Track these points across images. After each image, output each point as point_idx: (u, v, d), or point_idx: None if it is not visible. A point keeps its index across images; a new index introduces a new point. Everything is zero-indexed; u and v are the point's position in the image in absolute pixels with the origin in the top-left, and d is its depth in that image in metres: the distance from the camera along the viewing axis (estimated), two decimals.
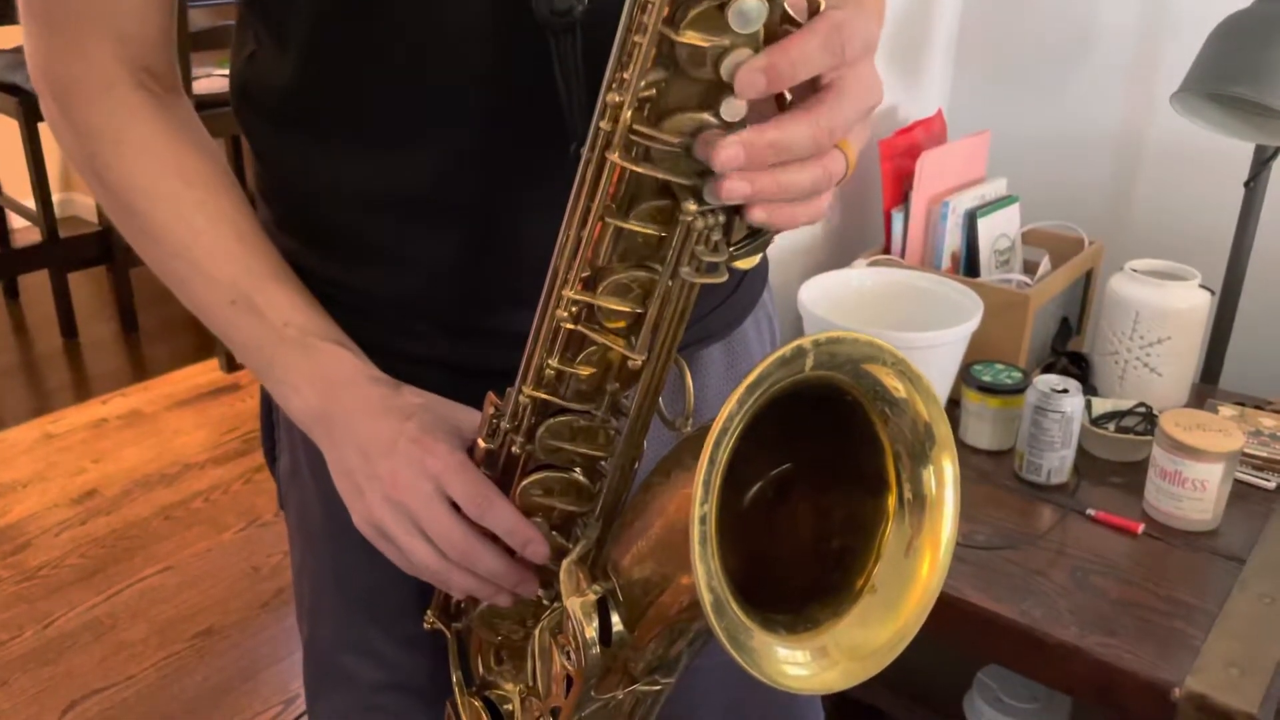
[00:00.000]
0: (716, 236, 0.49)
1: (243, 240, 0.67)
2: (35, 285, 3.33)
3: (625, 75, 0.46)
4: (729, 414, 0.47)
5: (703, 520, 0.47)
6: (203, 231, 0.66)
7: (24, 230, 3.55)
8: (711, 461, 0.47)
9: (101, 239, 3.11)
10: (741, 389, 0.46)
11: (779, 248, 1.62)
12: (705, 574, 0.47)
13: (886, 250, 1.71)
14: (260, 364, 0.67)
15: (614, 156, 0.48)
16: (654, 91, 0.46)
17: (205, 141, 0.69)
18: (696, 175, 0.48)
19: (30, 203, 3.03)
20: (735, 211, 0.50)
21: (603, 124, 0.48)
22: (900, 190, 1.69)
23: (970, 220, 1.66)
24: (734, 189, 0.47)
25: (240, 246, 0.67)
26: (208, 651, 1.95)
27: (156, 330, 3.17)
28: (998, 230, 1.70)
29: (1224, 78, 1.39)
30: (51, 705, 1.83)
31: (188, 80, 2.52)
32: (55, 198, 3.02)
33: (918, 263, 1.68)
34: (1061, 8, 1.85)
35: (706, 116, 0.47)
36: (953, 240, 1.66)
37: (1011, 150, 1.88)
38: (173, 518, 2.33)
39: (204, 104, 2.57)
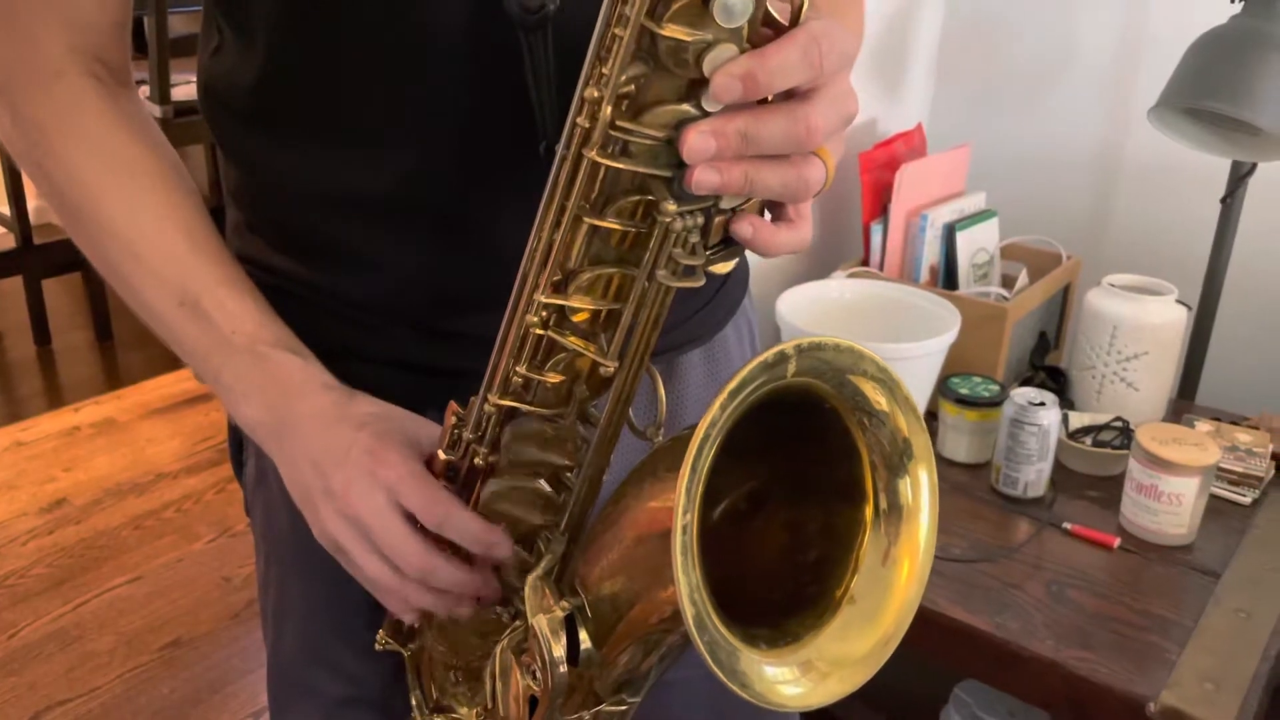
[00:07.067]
0: (694, 239, 0.48)
1: (192, 239, 0.64)
2: (9, 291, 3.29)
3: (604, 70, 0.45)
4: (711, 419, 0.45)
5: (684, 530, 0.45)
6: (149, 229, 0.63)
7: None
8: (694, 469, 0.45)
9: (77, 246, 3.07)
10: (724, 394, 0.45)
11: (758, 258, 1.62)
12: (687, 586, 0.45)
13: (865, 262, 1.71)
14: (208, 371, 0.64)
15: (592, 153, 0.46)
16: (633, 87, 0.45)
17: (156, 137, 0.66)
18: (676, 169, 0.47)
19: (5, 208, 3.00)
20: (714, 213, 0.49)
21: (580, 120, 0.46)
22: (879, 203, 1.69)
23: (949, 233, 1.66)
24: (703, 179, 0.46)
25: (189, 246, 0.64)
26: (176, 663, 1.92)
27: (131, 338, 3.13)
28: (976, 244, 1.70)
29: (1201, 93, 1.39)
30: (15, 717, 1.80)
31: (166, 87, 2.49)
32: (30, 204, 2.99)
33: (896, 275, 1.68)
34: (1041, 24, 1.86)
35: (687, 108, 0.46)
36: (931, 253, 1.67)
37: (991, 165, 1.88)
38: (143, 527, 2.29)
39: (183, 110, 2.55)
